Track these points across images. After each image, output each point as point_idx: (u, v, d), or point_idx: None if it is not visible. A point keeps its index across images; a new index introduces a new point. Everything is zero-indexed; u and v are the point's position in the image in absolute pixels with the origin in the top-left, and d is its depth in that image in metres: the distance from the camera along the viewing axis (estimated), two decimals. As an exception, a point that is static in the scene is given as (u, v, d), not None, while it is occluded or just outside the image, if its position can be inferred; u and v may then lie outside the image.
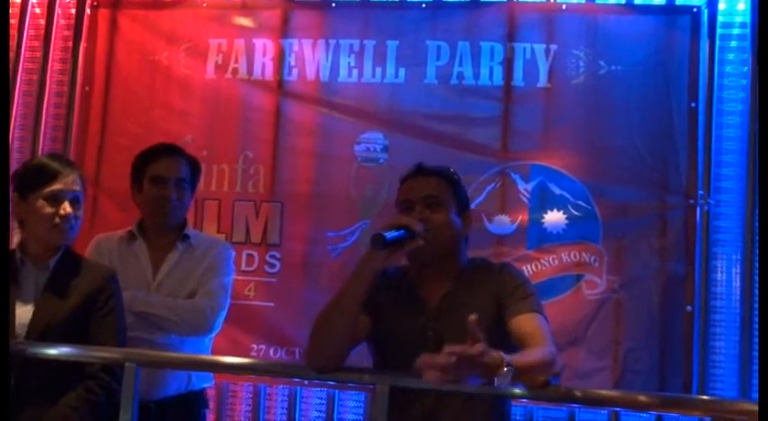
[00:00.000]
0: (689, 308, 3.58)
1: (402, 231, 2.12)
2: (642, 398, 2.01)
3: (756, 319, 3.56)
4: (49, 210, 2.49)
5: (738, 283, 3.64)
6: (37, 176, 2.51)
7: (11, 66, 4.13)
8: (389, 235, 2.07)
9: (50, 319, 2.45)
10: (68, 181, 2.52)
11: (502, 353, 1.85)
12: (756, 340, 3.55)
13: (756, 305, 3.57)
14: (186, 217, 3.12)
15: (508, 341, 2.16)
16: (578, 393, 2.04)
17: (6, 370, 2.19)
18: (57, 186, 2.50)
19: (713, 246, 3.67)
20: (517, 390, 2.02)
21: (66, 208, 2.50)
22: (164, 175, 2.98)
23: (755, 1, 3.74)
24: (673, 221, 3.65)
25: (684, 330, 3.58)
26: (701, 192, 3.65)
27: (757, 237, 3.55)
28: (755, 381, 3.54)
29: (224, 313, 2.98)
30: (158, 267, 2.99)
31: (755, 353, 3.55)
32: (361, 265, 2.17)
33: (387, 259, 2.15)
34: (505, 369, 1.83)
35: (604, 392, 2.24)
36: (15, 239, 2.61)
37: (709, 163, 3.68)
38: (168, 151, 3.05)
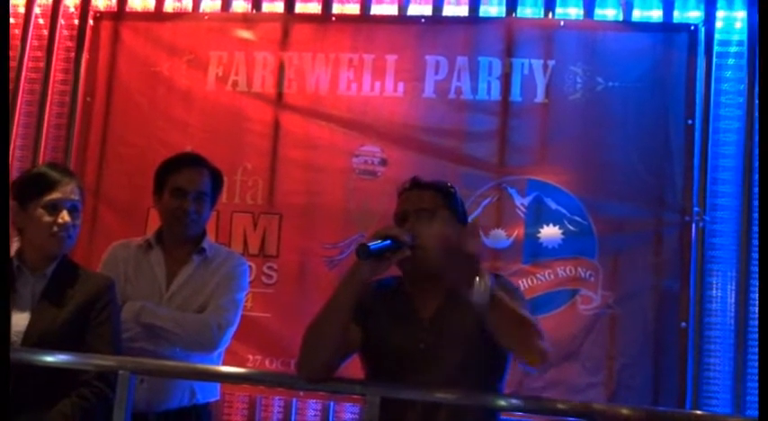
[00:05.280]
0: (683, 324, 3.60)
1: (388, 241, 2.12)
2: (627, 411, 2.02)
3: (751, 336, 3.57)
4: (47, 218, 2.50)
5: (733, 300, 3.66)
6: (36, 185, 2.53)
7: (13, 75, 4.16)
8: (374, 245, 2.08)
9: (46, 328, 2.46)
10: (67, 190, 2.54)
11: None
12: (751, 357, 3.56)
13: (752, 322, 3.58)
14: (205, 229, 3.08)
15: (499, 355, 2.19)
16: (564, 405, 2.05)
17: (7, 375, 2.21)
18: (55, 195, 2.51)
19: (708, 262, 3.69)
20: (503, 402, 2.03)
21: (65, 217, 2.51)
22: (184, 188, 2.94)
23: (753, 19, 3.77)
24: (668, 238, 3.67)
25: (679, 347, 3.59)
26: (696, 208, 3.66)
27: (756, 245, 3.57)
28: (750, 398, 3.54)
29: (232, 329, 2.94)
30: (172, 279, 2.96)
31: (750, 370, 3.56)
32: (349, 275, 2.19)
33: (374, 269, 2.15)
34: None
35: (591, 405, 2.25)
36: (14, 247, 2.62)
37: (705, 180, 3.71)
38: (191, 163, 3.01)
